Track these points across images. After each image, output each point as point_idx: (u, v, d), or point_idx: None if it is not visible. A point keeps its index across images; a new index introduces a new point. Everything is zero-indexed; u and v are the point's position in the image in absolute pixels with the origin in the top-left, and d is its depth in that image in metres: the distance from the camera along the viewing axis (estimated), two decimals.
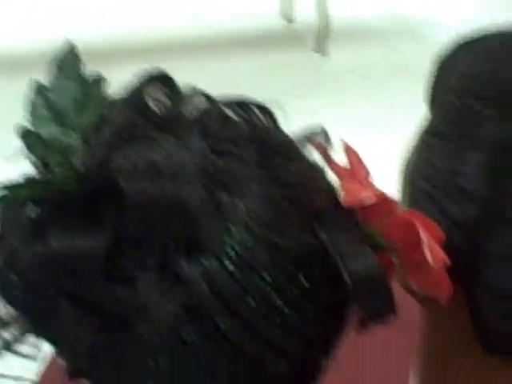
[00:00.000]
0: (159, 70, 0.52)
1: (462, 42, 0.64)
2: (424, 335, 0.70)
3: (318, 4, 3.11)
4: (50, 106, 0.51)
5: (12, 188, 0.48)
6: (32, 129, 0.51)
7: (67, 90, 0.51)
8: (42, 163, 0.53)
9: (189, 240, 0.47)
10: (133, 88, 0.51)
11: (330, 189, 0.53)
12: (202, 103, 0.52)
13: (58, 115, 0.51)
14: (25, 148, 0.52)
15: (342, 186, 0.52)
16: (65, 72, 0.52)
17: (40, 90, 0.52)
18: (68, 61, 0.52)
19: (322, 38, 3.13)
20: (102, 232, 0.46)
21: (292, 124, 0.55)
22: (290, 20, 3.36)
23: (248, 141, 0.51)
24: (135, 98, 0.51)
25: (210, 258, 0.47)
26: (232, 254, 0.48)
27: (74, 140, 0.50)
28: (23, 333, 0.51)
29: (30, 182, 0.48)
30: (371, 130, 2.65)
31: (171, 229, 0.46)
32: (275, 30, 3.36)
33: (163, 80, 0.52)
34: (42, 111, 0.51)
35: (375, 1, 3.56)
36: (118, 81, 0.53)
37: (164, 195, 0.46)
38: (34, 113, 0.52)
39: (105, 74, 0.52)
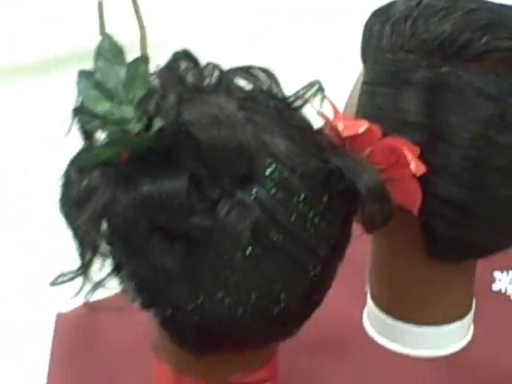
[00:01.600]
0: (185, 49, 0.64)
1: (376, 10, 0.80)
2: (376, 250, 0.86)
3: (135, 15, 3.24)
4: (100, 86, 0.62)
5: (99, 149, 0.59)
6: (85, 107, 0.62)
7: (114, 72, 0.62)
8: (90, 138, 0.64)
9: (243, 174, 0.60)
10: (168, 64, 0.63)
11: (323, 129, 0.67)
12: (216, 72, 0.65)
13: (108, 94, 0.62)
14: (79, 124, 0.63)
15: (339, 123, 0.66)
16: (108, 59, 0.62)
17: (87, 75, 0.62)
18: (109, 49, 0.62)
19: (141, 47, 3.27)
20: (182, 174, 0.58)
21: None
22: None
23: (263, 98, 0.64)
24: (173, 71, 0.63)
25: (258, 187, 0.60)
26: (274, 182, 0.61)
27: (125, 112, 0.61)
28: (114, 270, 0.62)
29: (114, 142, 0.59)
30: None
31: (233, 166, 0.59)
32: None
33: (187, 56, 0.64)
34: (92, 92, 0.62)
35: None
36: None
37: (227, 139, 0.58)
38: (84, 94, 0.62)
39: None
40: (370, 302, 0.89)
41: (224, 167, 0.59)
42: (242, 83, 0.66)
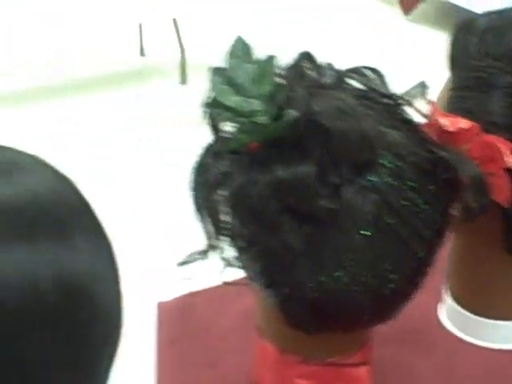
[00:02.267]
0: (306, 51, 0.71)
1: (461, 23, 0.87)
2: (456, 250, 0.92)
3: (176, 37, 3.33)
4: (231, 82, 0.68)
5: (234, 137, 0.65)
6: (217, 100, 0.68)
7: (244, 69, 0.68)
8: (217, 129, 0.70)
9: (363, 161, 0.66)
10: (293, 64, 0.70)
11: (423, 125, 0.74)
12: (332, 72, 0.72)
13: (238, 89, 0.68)
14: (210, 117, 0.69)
15: (442, 120, 0.72)
16: (239, 57, 0.69)
17: (220, 71, 0.69)
18: (241, 50, 0.69)
19: (181, 68, 3.35)
20: (311, 161, 0.65)
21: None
22: (144, 54, 3.56)
23: (374, 96, 0.71)
24: (297, 69, 0.70)
25: (374, 174, 0.67)
26: (388, 170, 0.67)
27: (255, 105, 0.68)
28: (243, 250, 0.68)
29: (251, 130, 0.66)
30: None
31: (356, 153, 0.65)
32: (136, 64, 3.55)
33: (309, 57, 0.71)
34: (224, 87, 0.68)
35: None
36: None
37: (353, 129, 0.65)
38: (217, 89, 0.68)
39: None
40: (448, 298, 0.94)
41: (348, 154, 0.65)
42: (353, 82, 0.72)
